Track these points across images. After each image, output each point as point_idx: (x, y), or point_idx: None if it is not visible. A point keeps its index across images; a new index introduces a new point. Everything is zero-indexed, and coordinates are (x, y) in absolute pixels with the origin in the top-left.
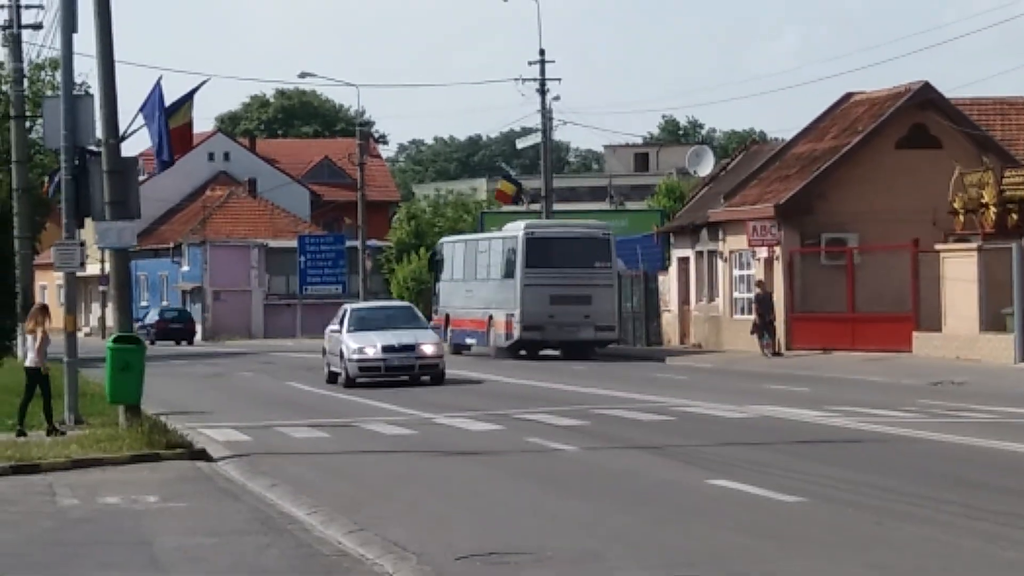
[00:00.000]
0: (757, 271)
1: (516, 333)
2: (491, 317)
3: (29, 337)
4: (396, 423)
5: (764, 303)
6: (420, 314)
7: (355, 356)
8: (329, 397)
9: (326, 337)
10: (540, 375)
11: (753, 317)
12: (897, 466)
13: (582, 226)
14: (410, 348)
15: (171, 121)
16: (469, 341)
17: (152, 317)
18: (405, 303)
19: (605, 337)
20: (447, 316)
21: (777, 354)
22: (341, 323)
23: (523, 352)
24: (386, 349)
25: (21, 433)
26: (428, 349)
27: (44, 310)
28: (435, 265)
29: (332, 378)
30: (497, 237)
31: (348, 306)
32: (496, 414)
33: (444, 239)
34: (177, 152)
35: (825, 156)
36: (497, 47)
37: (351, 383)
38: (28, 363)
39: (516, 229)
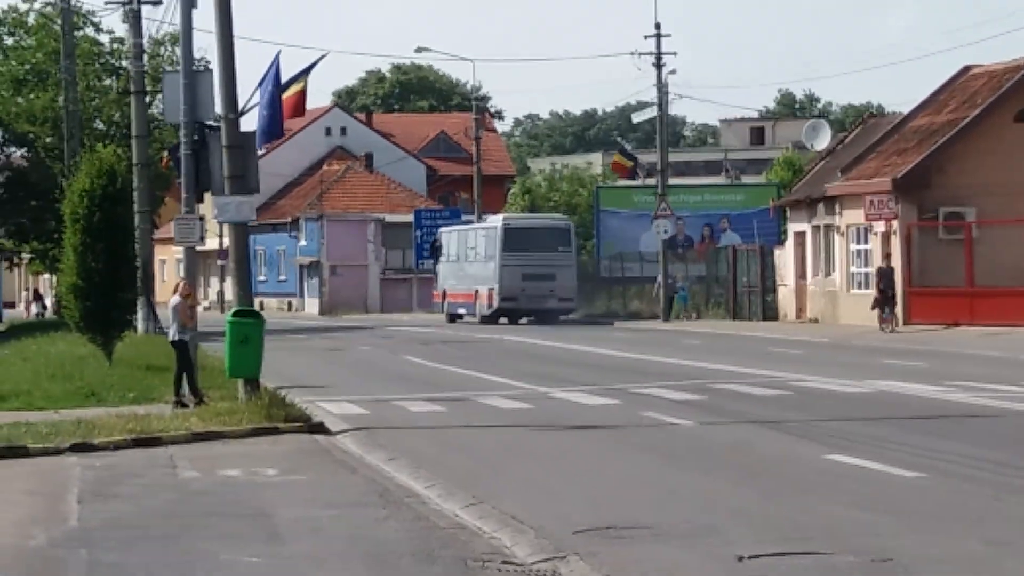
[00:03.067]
0: (874, 245)
1: (495, 303)
2: (477, 291)
3: (172, 312)
4: (512, 397)
5: (887, 277)
6: None
7: None
8: (445, 371)
9: None
10: (650, 349)
11: (874, 292)
12: (1016, 441)
13: (548, 218)
14: None
15: (286, 92)
16: (461, 311)
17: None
18: None
19: (566, 307)
20: (444, 291)
21: (894, 329)
22: None
23: (503, 320)
24: None
25: (183, 405)
26: None
27: (188, 284)
28: (435, 251)
29: None
30: (482, 227)
31: None
32: (612, 388)
33: (442, 229)
34: (289, 116)
35: (943, 129)
36: (613, 21)
37: None
38: (176, 336)
39: (496, 221)
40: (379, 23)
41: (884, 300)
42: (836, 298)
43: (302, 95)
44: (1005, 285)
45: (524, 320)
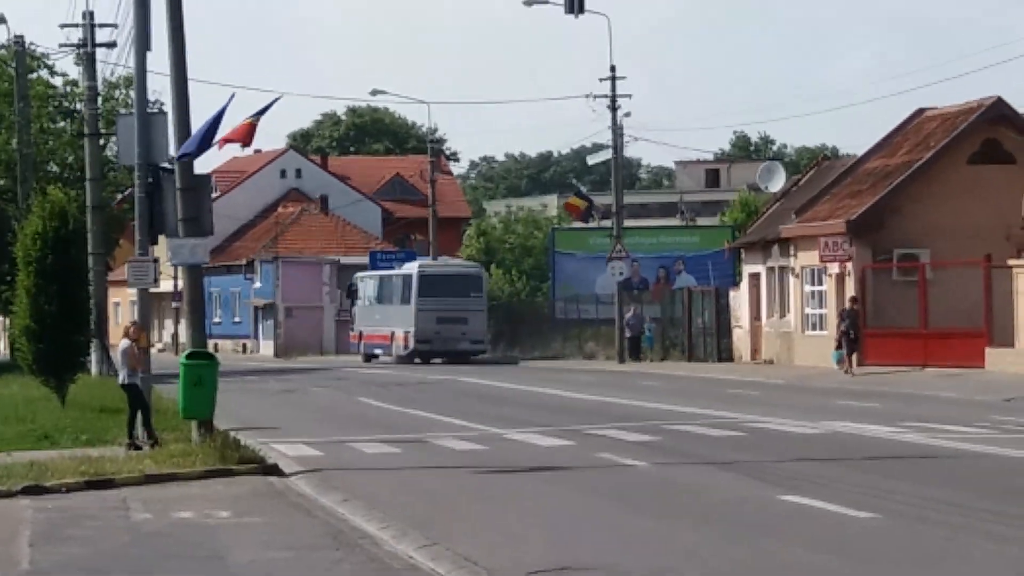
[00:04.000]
0: (828, 286)
1: (411, 345)
2: (393, 333)
3: (121, 355)
4: (467, 438)
5: (853, 318)
6: None
7: None
8: (400, 413)
9: None
10: (605, 391)
11: (835, 333)
12: (970, 482)
13: (461, 265)
14: None
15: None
16: (377, 352)
17: None
18: None
19: (477, 348)
20: (361, 332)
21: (848, 371)
22: None
23: (417, 360)
24: None
25: (136, 447)
26: None
27: (140, 327)
28: (352, 294)
29: None
30: (398, 273)
31: None
32: (567, 429)
33: (357, 275)
34: (236, 139)
35: (897, 171)
36: (568, 64)
37: None
38: (126, 380)
39: (412, 267)
40: (334, 66)
41: (848, 341)
42: (791, 339)
43: (251, 127)
44: (959, 326)
45: (438, 360)
